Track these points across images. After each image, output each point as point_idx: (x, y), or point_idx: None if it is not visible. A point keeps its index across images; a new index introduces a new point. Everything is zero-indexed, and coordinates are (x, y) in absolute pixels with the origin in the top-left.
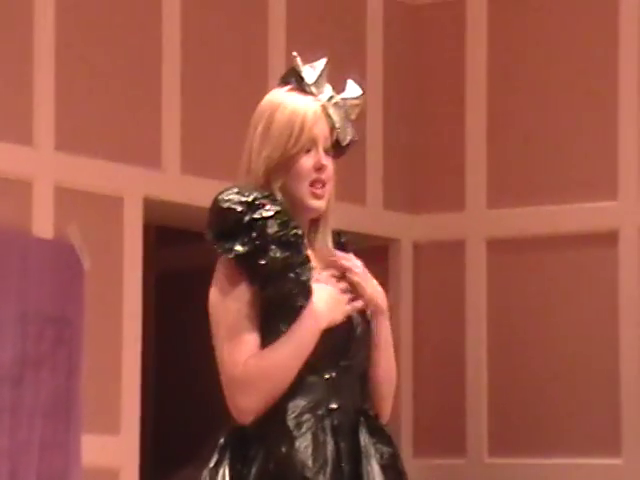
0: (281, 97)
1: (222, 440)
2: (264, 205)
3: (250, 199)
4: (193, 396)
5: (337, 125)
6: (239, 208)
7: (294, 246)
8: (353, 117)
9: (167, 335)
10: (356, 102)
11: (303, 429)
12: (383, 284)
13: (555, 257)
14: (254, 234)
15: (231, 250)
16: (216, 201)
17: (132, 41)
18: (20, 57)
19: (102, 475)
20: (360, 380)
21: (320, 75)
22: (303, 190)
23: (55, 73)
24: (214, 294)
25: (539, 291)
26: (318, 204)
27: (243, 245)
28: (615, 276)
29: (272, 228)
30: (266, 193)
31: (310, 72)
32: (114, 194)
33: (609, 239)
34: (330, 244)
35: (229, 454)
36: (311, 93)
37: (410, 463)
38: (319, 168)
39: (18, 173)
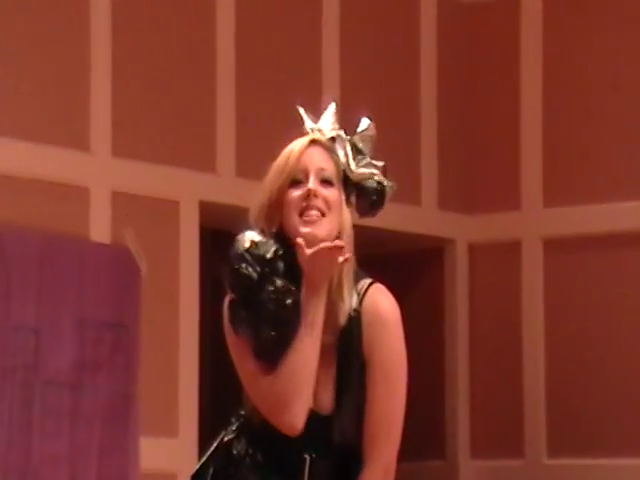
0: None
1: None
2: (273, 283)
3: (259, 272)
4: None
5: (341, 159)
6: (246, 282)
7: (285, 323)
8: (367, 151)
9: (224, 338)
10: (367, 134)
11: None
12: (439, 284)
13: (612, 256)
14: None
15: (233, 318)
16: (233, 255)
17: (187, 47)
18: (77, 64)
19: (160, 478)
20: (342, 460)
21: (324, 119)
22: (294, 223)
23: (112, 80)
24: (225, 322)
25: (596, 290)
26: (308, 229)
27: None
28: None
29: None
30: (274, 261)
31: (310, 119)
32: (170, 198)
33: None
34: (347, 305)
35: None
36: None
37: (468, 465)
38: (307, 196)
39: (75, 179)
